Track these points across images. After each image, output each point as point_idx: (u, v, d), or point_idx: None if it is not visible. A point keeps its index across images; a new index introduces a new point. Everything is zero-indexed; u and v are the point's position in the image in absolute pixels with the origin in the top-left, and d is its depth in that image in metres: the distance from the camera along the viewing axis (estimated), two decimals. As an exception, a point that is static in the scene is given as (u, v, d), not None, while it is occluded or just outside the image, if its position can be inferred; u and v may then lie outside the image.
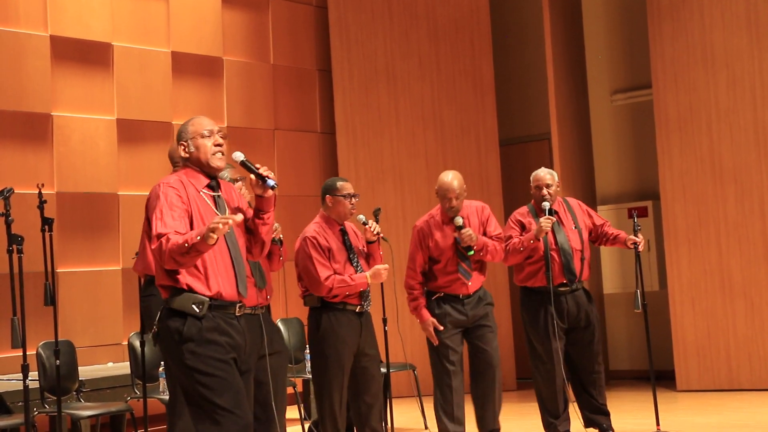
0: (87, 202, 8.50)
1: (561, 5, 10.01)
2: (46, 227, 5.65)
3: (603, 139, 10.86)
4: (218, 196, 4.38)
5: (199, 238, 3.97)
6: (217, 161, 4.37)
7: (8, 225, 5.37)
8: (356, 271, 6.02)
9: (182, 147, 4.39)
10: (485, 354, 6.48)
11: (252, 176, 4.37)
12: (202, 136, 4.36)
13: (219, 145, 4.37)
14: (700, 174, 9.31)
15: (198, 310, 4.16)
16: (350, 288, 5.95)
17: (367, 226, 6.06)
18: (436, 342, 6.43)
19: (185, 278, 4.18)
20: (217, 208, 4.33)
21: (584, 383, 6.74)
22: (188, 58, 9.35)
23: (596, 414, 6.76)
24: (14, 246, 5.38)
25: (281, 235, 5.58)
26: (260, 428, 5.29)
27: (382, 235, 6.12)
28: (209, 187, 4.37)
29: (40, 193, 5.66)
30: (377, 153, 10.18)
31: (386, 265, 6.03)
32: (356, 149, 10.20)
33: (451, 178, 6.48)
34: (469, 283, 6.47)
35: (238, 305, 4.30)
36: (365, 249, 6.16)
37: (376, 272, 5.99)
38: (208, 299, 4.18)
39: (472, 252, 6.35)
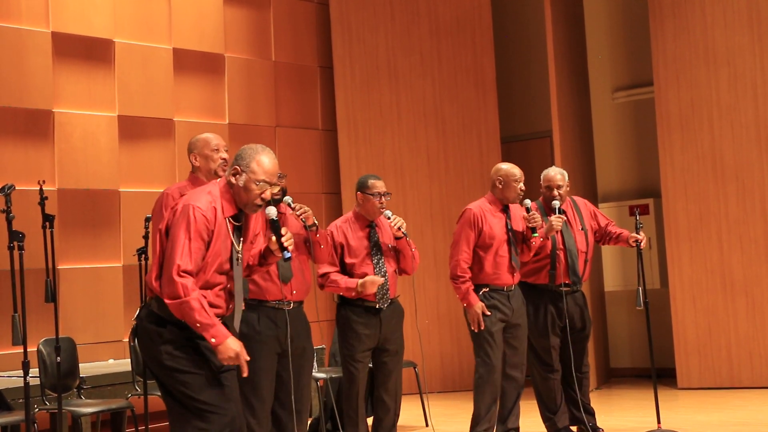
0: (88, 198, 8.50)
1: (563, 3, 10.00)
2: (47, 224, 5.64)
3: (604, 137, 10.86)
4: (239, 226, 4.36)
5: (213, 340, 4.06)
6: (252, 211, 4.35)
7: (9, 222, 5.36)
8: (374, 268, 6.05)
9: (234, 171, 4.31)
10: (517, 354, 6.52)
11: (273, 238, 4.39)
12: (257, 183, 4.28)
13: (264, 199, 4.31)
14: (702, 171, 9.31)
15: (180, 318, 4.17)
16: (337, 290, 6.04)
17: (389, 221, 6.08)
18: (482, 326, 6.37)
19: None
20: (233, 237, 4.32)
21: (570, 382, 6.77)
22: (190, 55, 9.34)
23: (581, 412, 6.78)
24: (15, 243, 5.37)
25: (316, 221, 5.51)
26: (280, 426, 5.32)
27: (403, 230, 6.11)
28: (234, 218, 4.35)
29: (41, 190, 5.65)
30: (379, 150, 10.17)
31: (380, 278, 6.02)
32: (358, 146, 10.20)
33: (515, 166, 6.61)
34: (515, 273, 6.50)
35: (220, 319, 4.29)
36: (396, 246, 6.19)
37: (368, 282, 5.99)
38: None
39: (536, 234, 6.38)
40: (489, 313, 6.39)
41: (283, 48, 10.20)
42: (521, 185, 6.51)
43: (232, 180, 4.31)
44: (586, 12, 10.84)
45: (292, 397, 5.27)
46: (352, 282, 5.99)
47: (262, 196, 4.29)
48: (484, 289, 6.46)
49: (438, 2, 10.27)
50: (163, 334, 4.18)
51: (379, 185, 6.13)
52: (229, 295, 4.36)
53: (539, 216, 6.41)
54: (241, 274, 4.36)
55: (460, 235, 6.48)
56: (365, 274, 6.03)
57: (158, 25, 9.13)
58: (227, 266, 4.28)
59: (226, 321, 4.34)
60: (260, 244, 4.53)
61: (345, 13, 10.30)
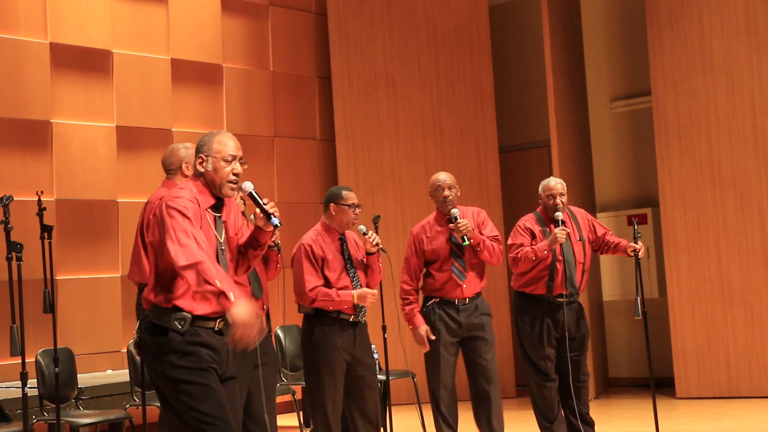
0: (86, 209, 8.50)
1: (560, 13, 10.02)
2: (46, 234, 5.65)
3: (602, 146, 10.87)
4: (219, 217, 4.36)
5: (232, 306, 3.95)
6: (229, 191, 4.33)
7: (7, 232, 5.37)
8: (351, 281, 6.00)
9: (200, 160, 4.32)
10: (480, 367, 6.48)
11: (257, 210, 4.36)
12: (224, 160, 4.30)
13: (237, 174, 4.32)
14: (700, 181, 9.31)
15: (180, 327, 4.15)
16: (333, 303, 5.93)
17: (366, 237, 6.05)
18: (426, 348, 6.42)
19: (173, 299, 4.18)
20: (215, 229, 4.32)
21: (568, 392, 6.75)
22: (188, 65, 9.35)
23: (580, 422, 6.77)
24: (13, 253, 5.38)
25: (279, 241, 5.49)
26: None
27: (381, 246, 6.11)
28: (213, 207, 4.34)
29: (39, 201, 5.65)
30: (377, 160, 10.18)
31: (375, 291, 6.00)
32: (356, 156, 10.20)
33: (440, 173, 6.59)
34: (464, 285, 6.46)
35: (218, 320, 4.27)
36: (365, 260, 6.14)
37: (362, 294, 5.96)
38: (190, 316, 4.17)
39: (467, 242, 6.33)
40: (433, 337, 6.40)
41: (281, 58, 10.21)
42: (445, 192, 6.48)
43: (200, 169, 4.32)
44: (583, 22, 10.86)
45: (264, 410, 5.24)
46: (347, 294, 5.94)
47: (234, 171, 4.30)
48: (432, 300, 6.50)
49: (436, 12, 10.28)
50: (164, 344, 4.16)
51: (352, 196, 6.11)
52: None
53: (467, 222, 6.33)
54: (227, 265, 4.32)
55: (406, 257, 6.61)
56: (346, 288, 5.99)
57: (156, 35, 9.15)
58: (213, 259, 4.22)
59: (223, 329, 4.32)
60: (246, 235, 4.50)
61: (343, 24, 10.32)
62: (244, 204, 5.34)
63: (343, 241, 6.11)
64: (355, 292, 5.95)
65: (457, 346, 6.49)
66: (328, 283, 5.98)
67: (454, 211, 6.38)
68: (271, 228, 4.38)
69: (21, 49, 8.20)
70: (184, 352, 4.16)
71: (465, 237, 6.31)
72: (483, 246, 6.43)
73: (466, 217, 6.52)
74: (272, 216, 4.34)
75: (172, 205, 4.15)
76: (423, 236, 6.56)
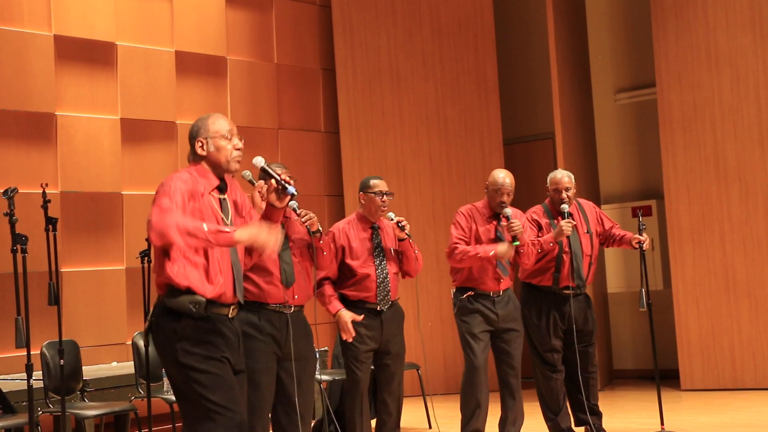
0: (91, 201, 8.50)
1: (565, 4, 10.00)
2: (50, 227, 5.65)
3: (607, 138, 10.85)
4: (224, 199, 4.37)
5: (236, 238, 4.04)
6: (236, 165, 4.35)
7: (12, 225, 5.37)
8: (376, 270, 6.07)
9: (199, 144, 4.34)
10: (510, 358, 6.50)
11: (272, 182, 4.36)
12: (223, 137, 4.33)
13: (238, 149, 4.35)
14: (704, 173, 9.30)
15: (195, 310, 4.15)
16: (322, 302, 6.04)
17: (393, 221, 6.09)
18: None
19: (187, 279, 4.17)
20: (221, 211, 4.33)
21: (576, 383, 6.76)
22: (192, 58, 9.35)
23: (588, 414, 6.77)
24: (18, 246, 5.38)
25: (320, 227, 5.45)
26: (283, 429, 5.33)
27: (407, 231, 6.11)
28: (218, 188, 4.35)
29: (44, 193, 5.65)
30: (381, 152, 10.17)
31: (353, 321, 5.98)
32: (360, 148, 10.20)
33: (504, 176, 6.49)
34: (502, 280, 6.47)
35: (231, 307, 4.29)
36: (398, 248, 6.22)
37: (344, 322, 5.95)
38: (205, 300, 4.17)
39: (517, 242, 6.33)
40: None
41: (286, 50, 10.20)
42: (504, 197, 6.45)
43: (202, 153, 4.33)
44: (588, 13, 10.84)
45: (296, 401, 5.27)
46: (336, 307, 6.01)
47: (236, 147, 4.33)
48: (468, 293, 6.48)
49: (440, 4, 10.27)
50: (178, 330, 4.15)
51: (381, 184, 6.19)
52: (228, 273, 4.31)
53: (518, 222, 6.33)
54: (235, 248, 4.31)
55: (451, 230, 6.55)
56: (367, 275, 6.05)
57: (160, 27, 9.14)
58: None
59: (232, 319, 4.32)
60: (255, 218, 4.50)
61: (347, 16, 10.31)
62: (256, 182, 5.32)
63: (375, 229, 6.17)
64: (342, 312, 5.98)
65: (489, 335, 6.49)
66: (349, 270, 6.06)
67: (507, 211, 6.39)
68: (287, 200, 4.38)
69: (25, 42, 8.20)
70: (198, 339, 4.16)
71: (515, 237, 6.31)
72: (525, 249, 6.44)
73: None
74: (288, 184, 4.33)
75: (159, 189, 4.18)
76: (471, 217, 6.51)
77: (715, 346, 9.21)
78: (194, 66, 9.36)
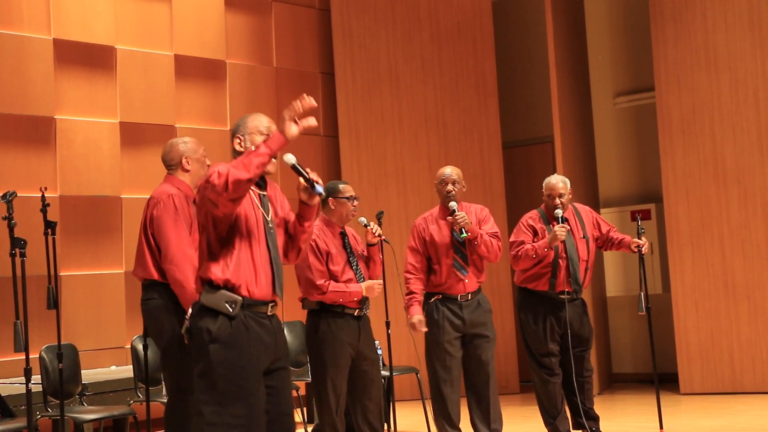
0: (90, 205, 8.50)
1: (564, 8, 10.01)
2: (49, 230, 5.65)
3: (606, 142, 10.86)
4: (263, 195, 4.35)
5: (265, 150, 4.05)
6: (271, 165, 4.26)
7: (11, 228, 5.37)
8: (355, 275, 6.04)
9: (238, 141, 4.34)
10: (480, 364, 6.47)
11: (301, 180, 4.33)
12: (261, 134, 4.33)
13: None
14: (703, 176, 9.31)
15: (231, 309, 4.10)
16: (344, 295, 5.95)
17: (368, 228, 6.07)
18: (423, 330, 6.38)
19: (225, 273, 4.13)
20: (262, 207, 4.31)
21: (572, 387, 6.76)
22: (191, 61, 9.35)
23: (584, 418, 6.77)
24: (17, 249, 5.38)
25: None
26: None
27: (383, 237, 6.13)
28: (256, 184, 4.33)
29: (43, 197, 5.65)
30: (380, 156, 10.18)
31: (380, 281, 6.04)
32: (359, 152, 10.20)
33: (446, 167, 6.61)
34: (466, 280, 6.46)
35: (270, 305, 4.25)
36: (365, 252, 6.18)
37: (370, 286, 6.00)
38: (241, 298, 4.13)
39: (465, 235, 6.33)
40: (425, 329, 6.38)
41: (285, 54, 10.21)
42: (448, 186, 6.49)
43: (240, 149, 4.32)
44: (587, 17, 10.85)
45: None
46: (357, 286, 5.99)
47: None
48: (435, 297, 6.49)
49: (439, 8, 10.28)
50: (213, 330, 4.10)
51: (349, 189, 6.16)
52: (267, 270, 4.26)
53: (465, 215, 6.35)
54: (276, 244, 4.29)
55: (408, 248, 6.60)
56: (350, 281, 6.02)
57: (160, 31, 9.15)
58: (262, 237, 4.22)
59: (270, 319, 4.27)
60: (292, 217, 4.49)
61: (346, 19, 10.31)
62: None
63: (344, 235, 6.13)
64: (363, 284, 5.99)
65: (460, 341, 6.49)
66: (333, 277, 6.00)
67: (452, 204, 6.41)
68: (317, 199, 4.37)
69: (24, 45, 8.20)
70: (232, 342, 4.09)
71: (463, 230, 6.32)
72: (480, 240, 6.43)
73: (468, 212, 6.53)
74: (316, 184, 4.30)
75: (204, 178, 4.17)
76: (424, 226, 6.58)
77: (714, 350, 9.20)
78: (193, 70, 9.37)
